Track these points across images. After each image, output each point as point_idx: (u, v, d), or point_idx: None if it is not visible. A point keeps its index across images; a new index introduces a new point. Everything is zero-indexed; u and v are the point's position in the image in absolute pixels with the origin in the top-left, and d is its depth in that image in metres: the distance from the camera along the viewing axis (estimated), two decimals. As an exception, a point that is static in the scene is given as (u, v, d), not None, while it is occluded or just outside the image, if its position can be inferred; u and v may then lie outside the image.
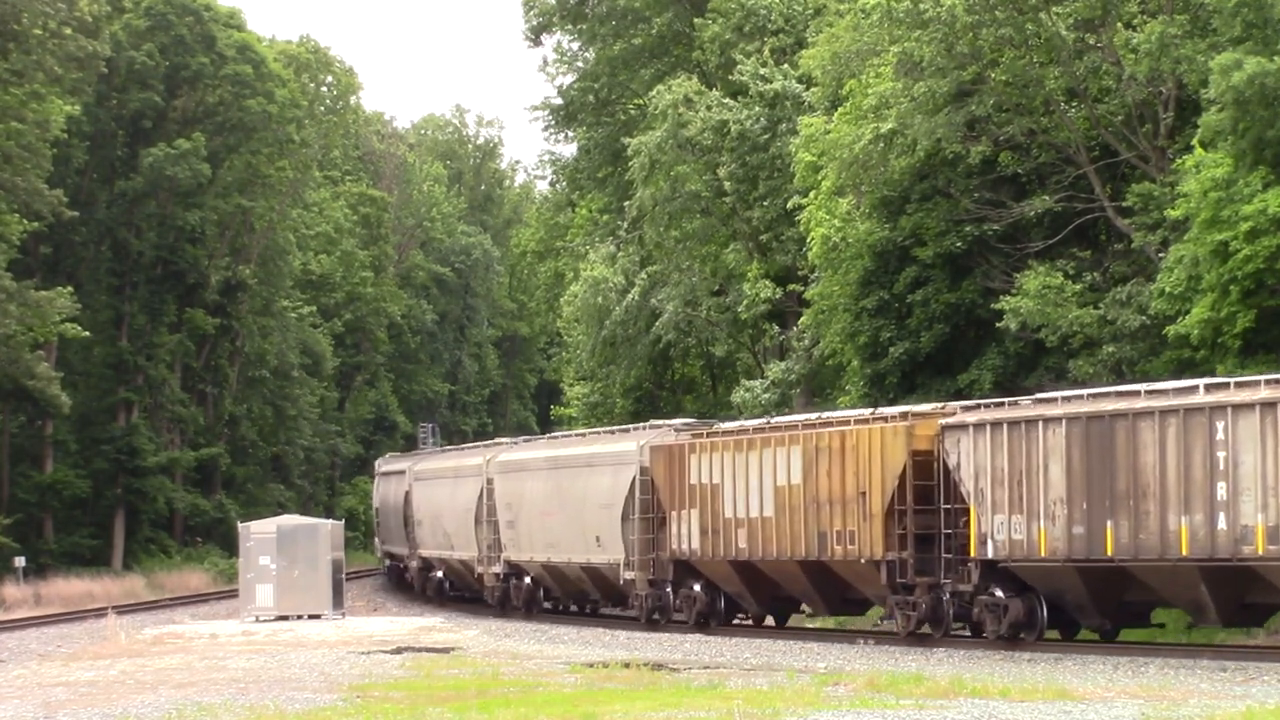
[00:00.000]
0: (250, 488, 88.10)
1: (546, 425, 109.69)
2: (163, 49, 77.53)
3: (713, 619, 40.48)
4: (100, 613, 51.15)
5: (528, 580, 48.24)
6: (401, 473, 61.45)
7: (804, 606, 40.36)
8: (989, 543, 32.64)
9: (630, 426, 45.05)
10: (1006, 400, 33.66)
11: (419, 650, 36.44)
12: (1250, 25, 36.24)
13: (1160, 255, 38.84)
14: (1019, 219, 43.34)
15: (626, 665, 30.23)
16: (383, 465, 69.51)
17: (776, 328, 58.35)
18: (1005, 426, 32.25)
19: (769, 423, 39.05)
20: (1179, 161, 38.17)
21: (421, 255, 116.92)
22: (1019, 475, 31.98)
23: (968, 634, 34.64)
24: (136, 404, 79.40)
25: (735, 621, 41.31)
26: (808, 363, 53.31)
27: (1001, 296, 41.40)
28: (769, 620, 41.29)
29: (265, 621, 46.42)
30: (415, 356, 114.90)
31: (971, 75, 42.48)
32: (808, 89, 52.72)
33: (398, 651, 36.26)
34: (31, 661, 37.76)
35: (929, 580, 34.12)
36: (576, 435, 48.29)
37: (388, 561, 68.25)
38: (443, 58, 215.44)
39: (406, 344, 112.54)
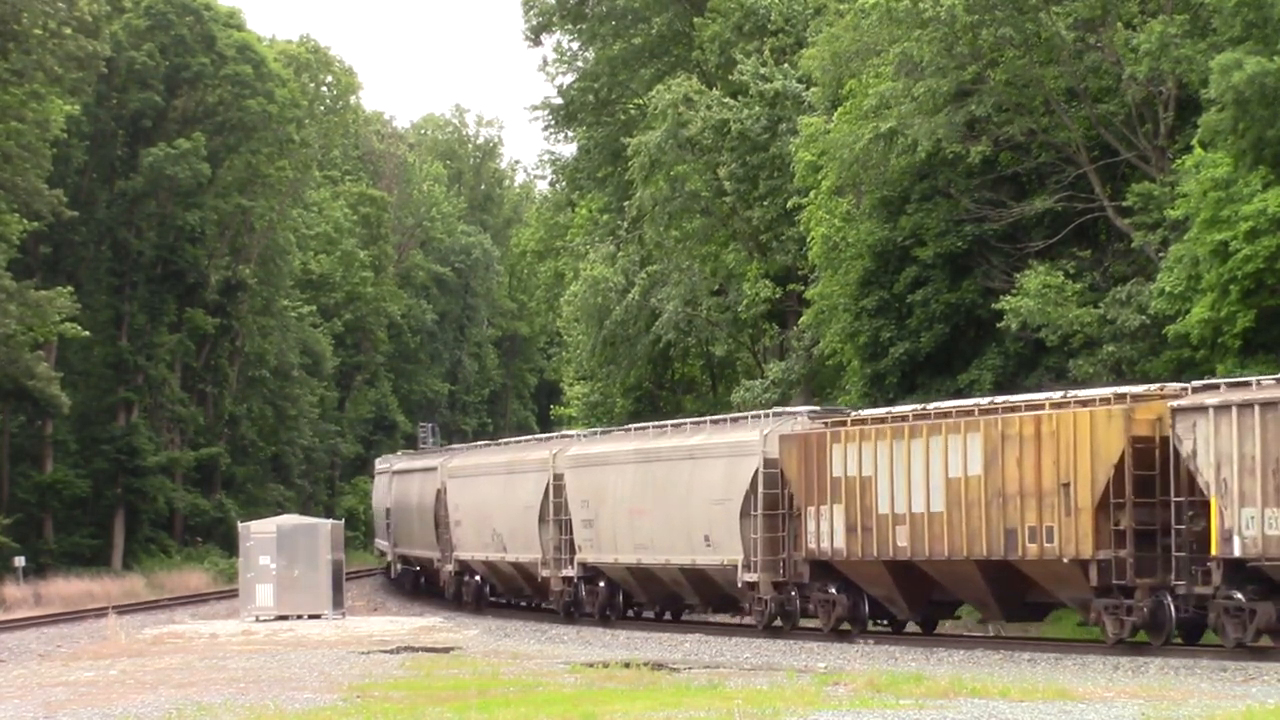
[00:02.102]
0: (250, 488, 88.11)
1: (546, 425, 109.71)
2: (163, 49, 77.55)
3: (853, 624, 36.72)
4: (100, 613, 51.13)
5: (602, 584, 44.19)
6: (430, 470, 56.39)
7: (959, 612, 37.59)
8: (1235, 539, 28.93)
9: (746, 415, 40.51)
10: (1252, 380, 29.81)
11: (419, 650, 36.44)
12: (1250, 25, 36.25)
13: (1160, 255, 38.86)
14: (1019, 219, 43.36)
15: (626, 665, 30.22)
16: (396, 464, 65.32)
17: (776, 328, 58.37)
18: (1257, 409, 28.48)
19: (925, 408, 35.07)
20: (1179, 161, 38.18)
21: (421, 255, 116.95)
22: (1275, 463, 28.26)
23: (1180, 642, 31.40)
24: (136, 404, 79.41)
25: (873, 628, 37.41)
26: (808, 363, 53.32)
27: (1002, 296, 41.40)
28: (911, 626, 37.55)
29: (265, 621, 46.42)
30: (415, 356, 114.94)
31: (971, 75, 42.50)
32: (808, 89, 52.74)
33: (398, 651, 36.25)
34: (31, 661, 37.74)
35: (1152, 582, 30.44)
36: (672, 425, 43.36)
37: (400, 566, 63.58)
38: (443, 58, 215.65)
39: (406, 344, 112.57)
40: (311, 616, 47.43)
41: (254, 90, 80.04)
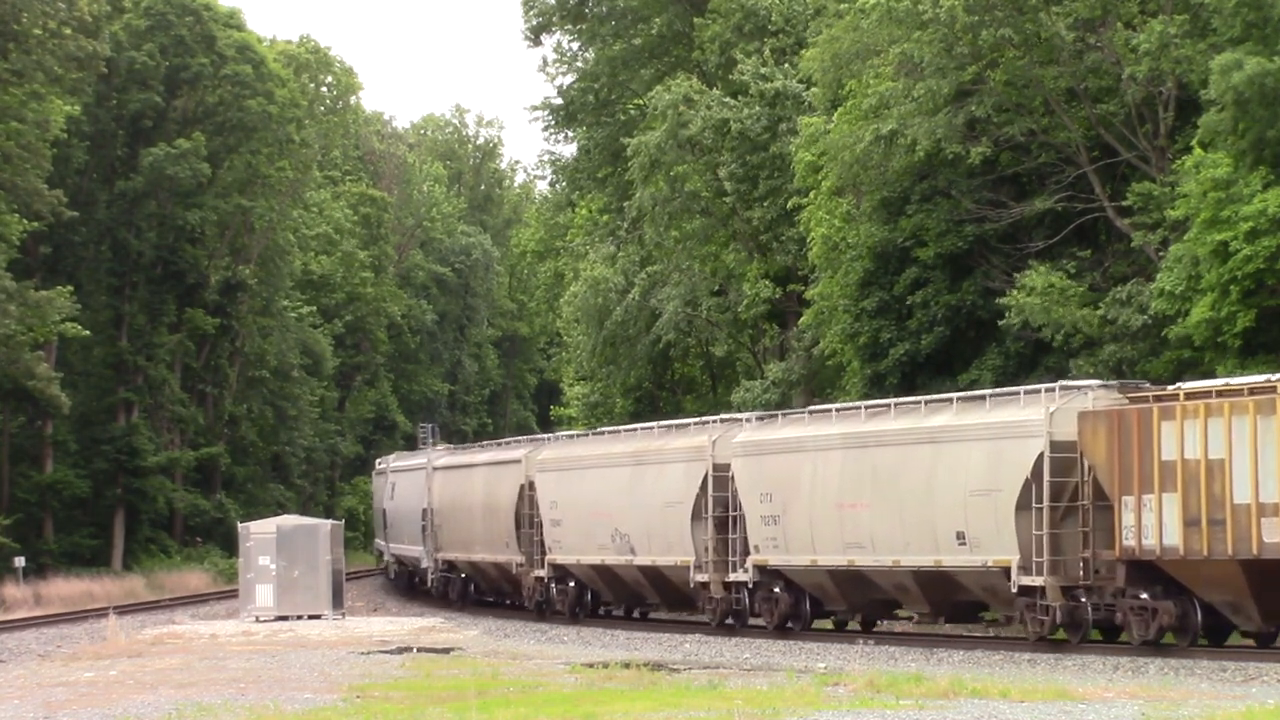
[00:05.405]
0: (250, 488, 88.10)
1: (546, 425, 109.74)
2: (163, 49, 77.56)
3: (1179, 635, 31.20)
4: (100, 613, 51.13)
5: (778, 589, 38.65)
6: (509, 463, 50.28)
7: None
8: None
9: (1016, 390, 34.35)
10: None
11: (419, 650, 36.44)
12: (1250, 25, 36.27)
13: (1160, 255, 38.88)
14: (1019, 219, 43.37)
15: (627, 665, 30.22)
16: (438, 459, 58.69)
17: (776, 328, 58.39)
18: None
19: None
20: (1179, 162, 38.18)
21: (421, 255, 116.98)
22: None
23: None
24: (136, 404, 79.41)
25: (1200, 642, 31.44)
26: (808, 363, 53.33)
27: (1007, 292, 41.39)
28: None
29: (265, 622, 46.40)
30: (415, 356, 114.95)
31: (971, 76, 42.50)
32: (808, 89, 52.76)
33: (398, 651, 36.26)
34: (31, 661, 37.76)
35: None
36: (895, 405, 36.76)
37: (440, 572, 56.76)
38: (443, 58, 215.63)
39: (406, 344, 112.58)
40: (311, 617, 47.40)
41: (254, 90, 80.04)
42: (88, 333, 69.72)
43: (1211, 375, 33.86)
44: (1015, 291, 40.79)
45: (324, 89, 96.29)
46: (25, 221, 65.45)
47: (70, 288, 66.90)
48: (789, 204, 51.61)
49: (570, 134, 70.30)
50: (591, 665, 31.10)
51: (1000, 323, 41.59)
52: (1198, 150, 36.78)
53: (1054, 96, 42.42)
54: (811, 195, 48.97)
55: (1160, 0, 41.06)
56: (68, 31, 63.70)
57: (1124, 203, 40.65)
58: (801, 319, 51.94)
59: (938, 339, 44.33)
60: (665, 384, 69.63)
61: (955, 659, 32.07)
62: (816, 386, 54.30)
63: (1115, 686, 25.43)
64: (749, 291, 55.33)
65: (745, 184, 55.33)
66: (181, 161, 76.33)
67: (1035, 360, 42.60)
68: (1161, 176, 39.97)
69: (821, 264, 48.40)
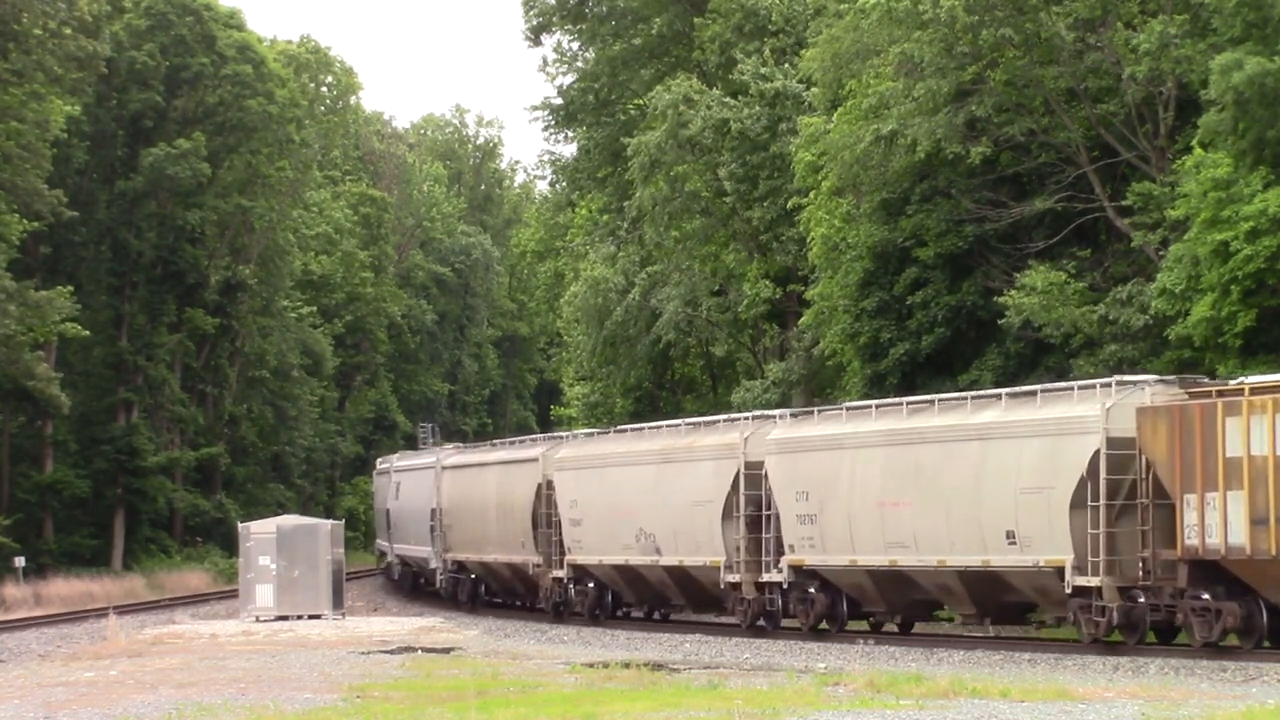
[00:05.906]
0: (250, 488, 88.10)
1: (546, 425, 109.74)
2: (163, 49, 77.58)
3: (1244, 637, 30.29)
4: (100, 613, 51.13)
5: (814, 589, 37.57)
6: (526, 462, 48.97)
7: None
8: None
9: (1071, 384, 33.33)
10: None
11: (419, 650, 36.44)
12: (1250, 25, 36.27)
13: (1160, 255, 38.88)
14: (1019, 219, 43.37)
15: (627, 665, 30.21)
16: (447, 458, 57.27)
17: (776, 328, 58.39)
18: None
19: None
20: (1179, 162, 38.19)
21: (421, 255, 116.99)
22: None
23: None
24: (136, 404, 79.42)
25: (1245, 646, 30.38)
26: (808, 363, 53.33)
27: (1006, 292, 41.37)
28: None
29: (265, 622, 46.40)
30: (415, 356, 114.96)
31: (971, 76, 42.50)
32: (808, 89, 52.75)
33: (398, 651, 36.26)
34: (31, 661, 37.77)
35: None
36: (940, 400, 35.75)
37: (449, 573, 55.34)
38: (443, 58, 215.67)
39: (406, 344, 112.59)
40: (311, 617, 47.39)
41: (254, 90, 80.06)
42: (88, 333, 69.72)
43: (1212, 375, 33.86)
44: (1014, 291, 40.77)
45: (324, 89, 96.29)
46: (25, 221, 65.46)
47: (70, 288, 66.90)
48: (789, 204, 51.61)
49: (570, 134, 70.27)
50: (592, 665, 31.10)
51: (1000, 322, 41.59)
52: (1198, 150, 36.79)
53: (1054, 96, 42.42)
54: (811, 195, 48.97)
55: (1160, 0, 41.06)
56: (68, 31, 63.69)
57: (1124, 203, 40.64)
58: (801, 319, 51.94)
59: (938, 339, 44.33)
60: (665, 384, 69.61)
61: (955, 659, 32.07)
62: (816, 386, 54.31)
63: (1115, 686, 25.44)
64: (749, 291, 55.33)
65: (745, 184, 55.32)
66: (181, 161, 76.34)
67: (1035, 360, 42.59)
68: (1161, 176, 39.97)
69: (821, 264, 48.40)
